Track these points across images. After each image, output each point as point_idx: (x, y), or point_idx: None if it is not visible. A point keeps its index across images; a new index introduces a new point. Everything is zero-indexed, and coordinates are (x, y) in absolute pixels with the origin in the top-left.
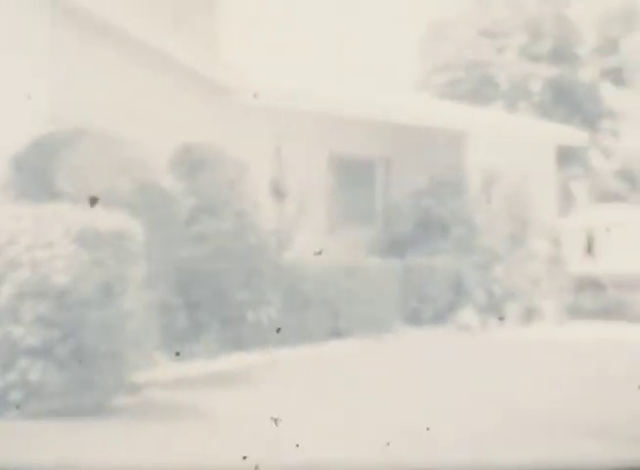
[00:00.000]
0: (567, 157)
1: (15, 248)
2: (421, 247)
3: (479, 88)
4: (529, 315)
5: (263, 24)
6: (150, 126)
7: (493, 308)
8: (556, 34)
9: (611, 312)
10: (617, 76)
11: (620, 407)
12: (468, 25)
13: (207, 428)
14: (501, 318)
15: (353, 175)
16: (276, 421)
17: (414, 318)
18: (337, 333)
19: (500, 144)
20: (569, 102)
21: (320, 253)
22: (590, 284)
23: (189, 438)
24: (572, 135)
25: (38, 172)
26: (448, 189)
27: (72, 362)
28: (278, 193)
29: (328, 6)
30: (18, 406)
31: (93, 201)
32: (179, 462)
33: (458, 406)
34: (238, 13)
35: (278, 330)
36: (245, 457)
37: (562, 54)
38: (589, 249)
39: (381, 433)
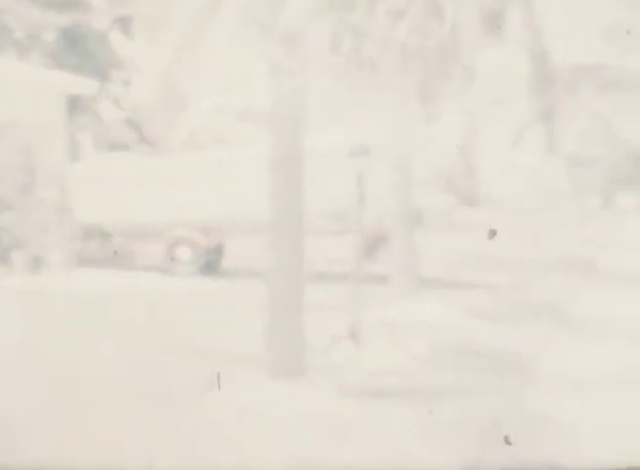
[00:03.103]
0: (77, 105)
1: None
2: None
3: None
4: (37, 264)
5: None
6: None
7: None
8: None
9: (117, 261)
10: (126, 26)
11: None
12: None
13: None
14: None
15: None
16: None
17: None
18: None
19: (9, 94)
20: (81, 51)
21: None
22: (97, 232)
23: None
24: (83, 85)
25: None
26: None
27: None
28: None
29: None
30: None
31: None
32: None
33: None
34: None
35: None
36: None
37: (74, 2)
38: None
39: None
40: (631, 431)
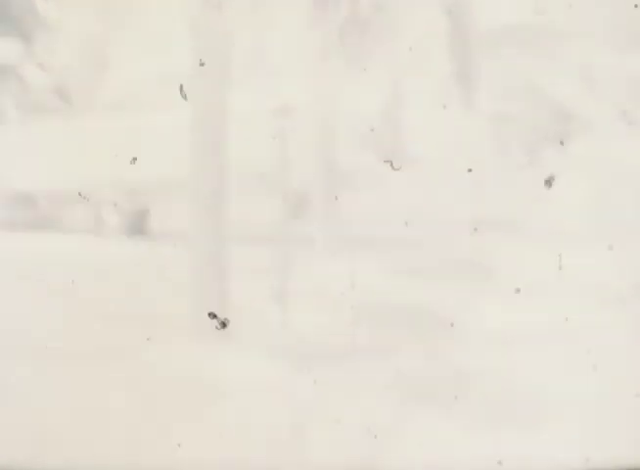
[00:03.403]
0: (1, 72)
1: None
2: None
3: None
4: None
5: None
6: None
7: None
8: None
9: (44, 226)
10: None
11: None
12: None
13: None
14: None
15: None
16: None
17: None
18: None
19: None
20: (4, 16)
21: None
22: (23, 198)
23: None
24: (5, 48)
25: None
26: None
27: None
28: None
29: None
30: None
31: None
32: None
33: None
34: None
35: None
36: None
37: None
38: None
39: None
40: (557, 386)
